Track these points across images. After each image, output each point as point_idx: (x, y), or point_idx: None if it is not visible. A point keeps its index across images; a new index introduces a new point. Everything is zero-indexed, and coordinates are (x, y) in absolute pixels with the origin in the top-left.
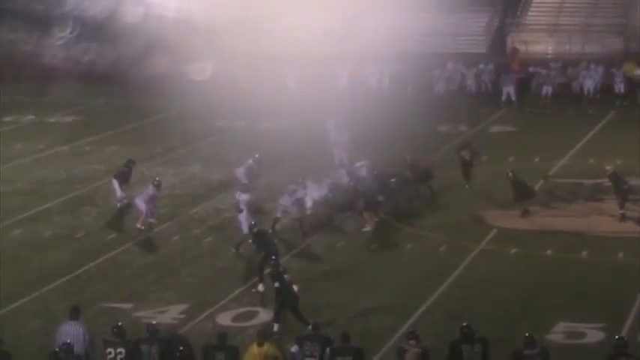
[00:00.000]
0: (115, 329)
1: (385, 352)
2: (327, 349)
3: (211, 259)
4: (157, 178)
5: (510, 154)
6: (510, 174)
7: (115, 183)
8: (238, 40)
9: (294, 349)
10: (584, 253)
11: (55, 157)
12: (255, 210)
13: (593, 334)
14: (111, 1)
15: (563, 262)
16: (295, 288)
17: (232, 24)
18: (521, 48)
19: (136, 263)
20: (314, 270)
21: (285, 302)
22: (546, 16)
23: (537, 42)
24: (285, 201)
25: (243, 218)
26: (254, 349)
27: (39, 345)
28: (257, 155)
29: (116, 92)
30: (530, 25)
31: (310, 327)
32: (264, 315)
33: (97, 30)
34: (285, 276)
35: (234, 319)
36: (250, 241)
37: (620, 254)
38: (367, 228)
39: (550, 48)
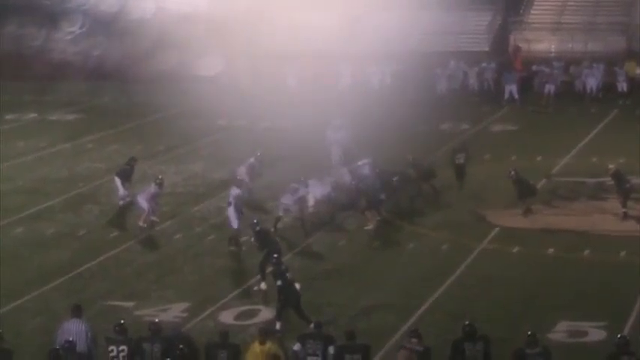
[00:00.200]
0: (117, 327)
1: (387, 351)
2: (331, 348)
3: (213, 258)
4: (160, 177)
5: (512, 153)
6: (513, 173)
7: (117, 181)
8: (241, 39)
9: (296, 347)
10: (586, 252)
11: (57, 155)
12: (256, 207)
13: (595, 333)
14: None
15: (565, 260)
16: (297, 286)
17: (236, 22)
18: (524, 46)
19: (138, 261)
20: (316, 268)
21: (287, 300)
22: (549, 15)
23: (540, 40)
24: (286, 200)
25: (232, 213)
26: (256, 347)
27: (40, 343)
28: (259, 153)
29: (120, 90)
30: (533, 23)
31: (312, 325)
32: (266, 313)
33: (106, 25)
34: (287, 274)
35: (237, 317)
36: (252, 239)
37: (623, 253)
38: (369, 226)
39: (552, 46)
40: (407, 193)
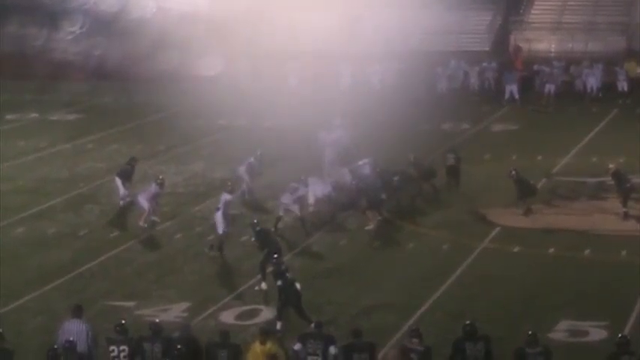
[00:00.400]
0: (117, 327)
1: (388, 350)
2: (331, 348)
3: (214, 257)
4: (160, 176)
5: (513, 153)
6: (513, 172)
7: (118, 181)
8: (241, 39)
9: (296, 347)
10: (586, 252)
11: (57, 155)
12: (257, 207)
13: (596, 333)
14: None
15: (566, 260)
16: (298, 286)
17: (236, 22)
18: (524, 46)
19: (139, 261)
20: (316, 268)
21: (287, 300)
22: (549, 15)
23: (540, 40)
24: (286, 199)
25: (219, 218)
26: (257, 347)
27: (41, 343)
28: (258, 152)
29: (121, 90)
30: (533, 23)
31: (313, 325)
32: (267, 313)
33: (106, 25)
34: (288, 274)
35: (237, 317)
36: (253, 239)
37: (623, 252)
38: (370, 226)
39: (553, 46)
40: (407, 193)
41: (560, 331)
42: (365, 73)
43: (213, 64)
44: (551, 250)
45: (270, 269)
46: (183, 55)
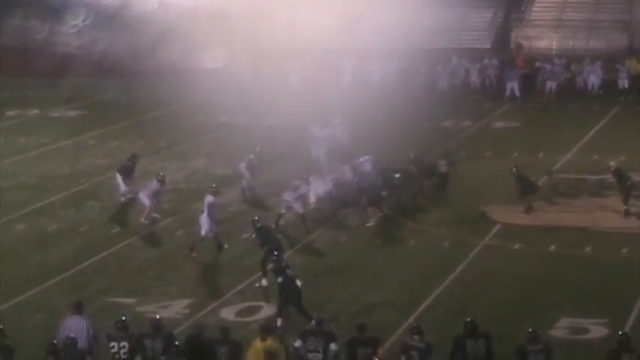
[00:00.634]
0: (118, 324)
1: (389, 347)
2: (332, 345)
3: (214, 254)
4: (161, 173)
5: (514, 150)
6: (514, 169)
7: (119, 177)
8: (242, 35)
9: (297, 344)
10: (587, 249)
11: (58, 151)
12: (258, 204)
13: (597, 330)
14: None
15: (567, 257)
16: (298, 283)
17: (238, 18)
18: (526, 43)
19: (140, 258)
20: (317, 265)
21: (288, 297)
22: (550, 12)
23: (541, 37)
24: (288, 196)
25: (203, 220)
26: (257, 344)
27: (41, 339)
28: (258, 149)
29: (122, 86)
30: (535, 20)
31: (313, 322)
32: (268, 310)
33: (109, 18)
34: (288, 271)
35: (238, 313)
36: (253, 236)
37: (624, 250)
38: (370, 223)
39: (554, 44)
40: (408, 190)
41: (560, 329)
42: (365, 71)
43: (215, 57)
44: (552, 247)
45: (270, 266)
46: (186, 48)
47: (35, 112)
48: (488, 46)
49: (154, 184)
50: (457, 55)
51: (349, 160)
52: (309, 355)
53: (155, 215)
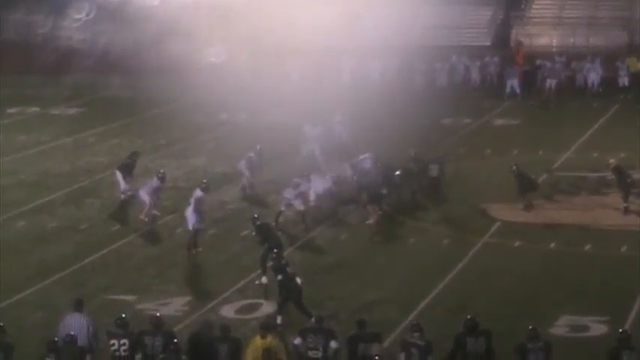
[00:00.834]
0: (118, 321)
1: (389, 345)
2: (332, 342)
3: (214, 252)
4: (162, 171)
5: (514, 147)
6: (514, 167)
7: (119, 175)
8: (243, 33)
9: (297, 341)
10: (587, 247)
11: (58, 149)
12: (258, 201)
13: (597, 328)
14: None
15: (567, 255)
16: (298, 281)
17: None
18: (526, 41)
19: (140, 255)
20: (317, 263)
21: (288, 295)
22: (550, 9)
23: (541, 35)
24: (288, 194)
25: (189, 214)
26: (257, 341)
27: (42, 337)
28: (258, 147)
29: (122, 83)
30: (535, 18)
31: (313, 319)
32: (268, 307)
33: (112, 13)
34: (288, 269)
35: (238, 311)
36: (253, 233)
37: (624, 247)
38: (370, 221)
39: (554, 41)
40: (408, 188)
41: (560, 326)
42: (365, 69)
43: (217, 53)
44: (552, 245)
45: (270, 264)
46: (188, 43)
47: (35, 109)
48: (488, 44)
49: (154, 182)
50: (457, 52)
51: (349, 157)
52: (309, 353)
53: (155, 213)
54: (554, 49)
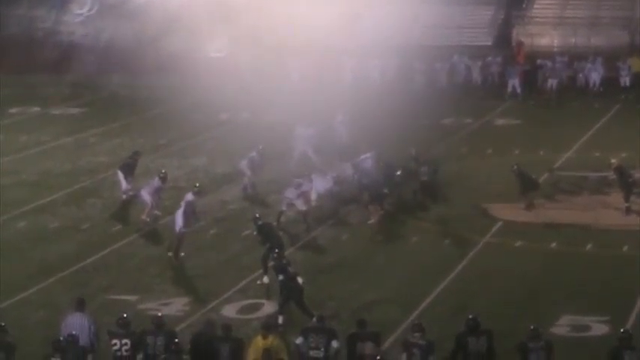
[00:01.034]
0: (119, 321)
1: (390, 345)
2: (334, 342)
3: (216, 251)
4: (163, 171)
5: (515, 147)
6: (515, 167)
7: (120, 175)
8: (244, 32)
9: (298, 341)
10: (588, 246)
11: (60, 148)
12: (259, 201)
13: (598, 327)
14: None
15: (568, 255)
16: (300, 280)
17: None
18: (527, 41)
19: (141, 255)
20: (318, 262)
21: (289, 295)
22: (552, 9)
23: (543, 35)
24: (290, 194)
25: (178, 216)
26: (258, 341)
27: (43, 336)
28: (260, 147)
29: (125, 82)
30: (536, 17)
31: (315, 319)
32: (269, 307)
33: (114, 7)
34: (289, 269)
35: (239, 311)
36: (255, 233)
37: (625, 247)
38: (372, 220)
39: (555, 41)
40: (409, 187)
41: (562, 326)
42: (365, 68)
43: (218, 47)
44: (553, 244)
45: (271, 264)
46: (189, 38)
47: (36, 109)
48: (489, 44)
49: (156, 182)
50: (458, 52)
51: (350, 157)
52: (311, 353)
53: (156, 213)
54: (555, 49)
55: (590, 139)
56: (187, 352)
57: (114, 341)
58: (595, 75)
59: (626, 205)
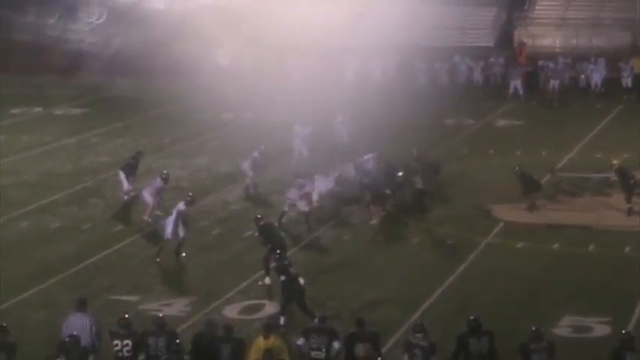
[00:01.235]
0: (121, 321)
1: (391, 345)
2: (335, 343)
3: (218, 252)
4: (165, 171)
5: (517, 148)
6: (517, 168)
7: (122, 175)
8: (246, 32)
9: (300, 341)
10: (590, 247)
11: (61, 149)
12: (261, 201)
13: (600, 329)
14: None
15: (570, 256)
16: (301, 281)
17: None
18: (529, 42)
19: (143, 255)
20: (320, 263)
21: (291, 295)
22: (554, 10)
23: (545, 36)
24: (293, 194)
25: (168, 223)
26: (260, 341)
27: (44, 336)
28: (262, 147)
29: (134, 84)
30: (538, 18)
31: (316, 320)
32: (271, 308)
33: (123, 16)
34: (291, 269)
35: (241, 311)
36: (256, 234)
37: (627, 248)
38: (374, 221)
39: (557, 42)
40: (411, 188)
41: (563, 327)
42: (367, 67)
43: (225, 53)
44: (555, 245)
45: (273, 264)
46: (195, 45)
47: (39, 109)
48: (491, 45)
49: (157, 182)
50: (460, 53)
51: (351, 158)
52: (312, 353)
53: (158, 213)
54: (557, 50)
55: (592, 140)
56: (188, 353)
57: (115, 342)
58: (597, 76)
59: (628, 206)
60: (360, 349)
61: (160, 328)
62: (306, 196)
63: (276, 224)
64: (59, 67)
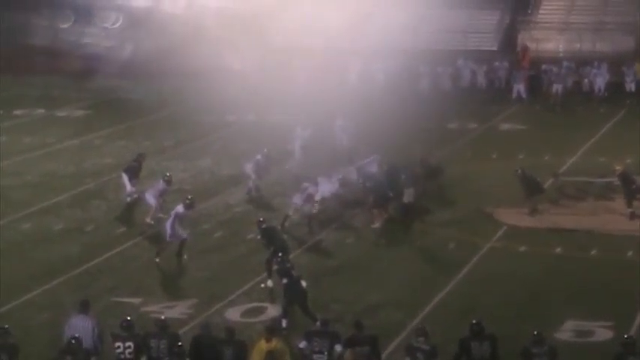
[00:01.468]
0: (123, 323)
1: (393, 349)
2: (337, 346)
3: (220, 254)
4: (168, 173)
5: (520, 152)
6: (519, 171)
7: (125, 177)
8: (252, 34)
9: (302, 344)
10: (593, 252)
11: (64, 150)
12: (264, 204)
13: (602, 333)
14: None
15: (572, 260)
16: (303, 284)
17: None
18: (532, 46)
19: (145, 258)
20: (323, 266)
21: (293, 298)
22: (557, 14)
23: (548, 40)
24: (298, 199)
25: (168, 225)
26: (262, 344)
27: (47, 338)
28: (265, 150)
29: (130, 86)
30: (541, 23)
31: (318, 323)
32: (273, 310)
33: (139, 21)
34: (293, 272)
35: (243, 314)
36: (259, 236)
37: (629, 253)
38: (376, 224)
39: (561, 46)
40: (415, 191)
41: (565, 331)
42: (370, 71)
43: (236, 58)
44: (558, 249)
45: (275, 267)
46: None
47: (41, 111)
48: (495, 48)
49: (160, 184)
50: (463, 56)
51: (354, 161)
52: (314, 356)
53: (160, 215)
54: (560, 54)
55: (595, 145)
56: (189, 355)
57: (117, 344)
58: (600, 80)
59: (630, 210)
60: (348, 354)
61: (162, 330)
62: (309, 199)
63: (279, 227)
64: (74, 71)
